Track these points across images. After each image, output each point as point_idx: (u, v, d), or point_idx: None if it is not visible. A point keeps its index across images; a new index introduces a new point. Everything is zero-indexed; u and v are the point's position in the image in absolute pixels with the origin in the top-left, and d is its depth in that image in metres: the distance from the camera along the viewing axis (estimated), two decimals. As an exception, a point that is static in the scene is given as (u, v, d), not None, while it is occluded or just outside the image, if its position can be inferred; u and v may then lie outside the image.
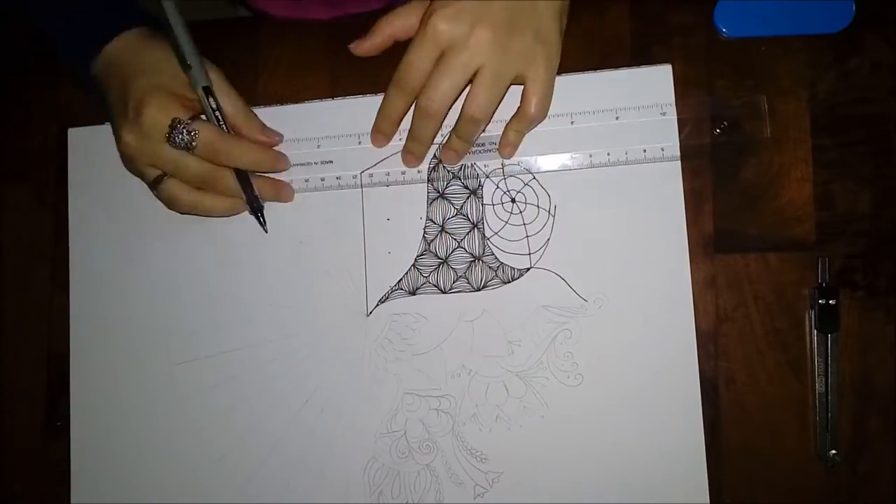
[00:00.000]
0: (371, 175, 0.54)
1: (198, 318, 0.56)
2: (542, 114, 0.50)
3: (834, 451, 0.50)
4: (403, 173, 0.54)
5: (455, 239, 0.54)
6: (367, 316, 0.54)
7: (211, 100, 0.50)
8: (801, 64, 0.53)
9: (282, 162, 0.54)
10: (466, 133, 0.50)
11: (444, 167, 0.54)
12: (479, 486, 0.52)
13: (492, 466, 0.52)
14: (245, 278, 0.55)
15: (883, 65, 0.52)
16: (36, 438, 0.57)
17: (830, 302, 0.50)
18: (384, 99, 0.51)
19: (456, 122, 0.50)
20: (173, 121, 0.49)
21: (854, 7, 0.51)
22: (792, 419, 0.52)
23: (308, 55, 0.57)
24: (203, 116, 0.51)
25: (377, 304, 0.54)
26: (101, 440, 0.56)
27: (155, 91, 0.49)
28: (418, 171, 0.54)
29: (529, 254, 0.53)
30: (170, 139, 0.49)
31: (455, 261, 0.53)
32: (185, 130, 0.49)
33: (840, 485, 0.51)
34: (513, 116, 0.51)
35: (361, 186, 0.55)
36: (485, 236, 0.53)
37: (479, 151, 0.53)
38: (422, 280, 0.54)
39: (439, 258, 0.53)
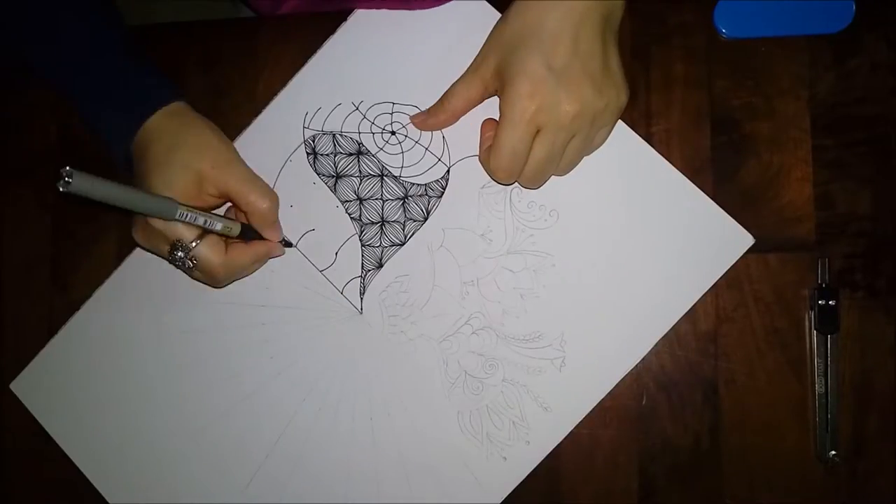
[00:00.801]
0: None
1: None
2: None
3: (834, 452, 0.50)
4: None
5: (377, 199, 0.54)
6: (361, 313, 0.54)
7: (190, 217, 0.47)
8: (801, 64, 0.53)
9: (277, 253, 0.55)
10: (542, 180, 0.50)
11: (320, 155, 0.55)
12: (555, 360, 0.53)
13: (551, 337, 0.53)
14: (243, 355, 0.56)
15: (883, 65, 0.52)
16: (36, 439, 0.57)
17: (830, 302, 0.50)
18: (484, 163, 0.51)
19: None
20: (175, 241, 0.48)
21: (854, 7, 0.51)
22: (792, 419, 0.52)
23: (308, 55, 0.57)
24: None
25: (361, 298, 0.55)
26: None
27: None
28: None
29: (439, 159, 0.54)
30: (170, 256, 0.48)
31: (390, 213, 0.54)
32: (184, 254, 0.48)
33: (840, 485, 0.51)
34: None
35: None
36: (396, 177, 0.54)
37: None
38: (378, 250, 0.54)
39: (377, 223, 0.54)
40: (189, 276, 0.52)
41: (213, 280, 0.51)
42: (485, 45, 0.49)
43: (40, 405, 0.57)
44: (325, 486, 0.54)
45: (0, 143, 0.60)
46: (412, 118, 0.54)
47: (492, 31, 0.48)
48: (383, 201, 0.54)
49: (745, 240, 0.51)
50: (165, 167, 0.48)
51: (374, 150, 0.54)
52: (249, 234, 0.52)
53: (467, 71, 0.50)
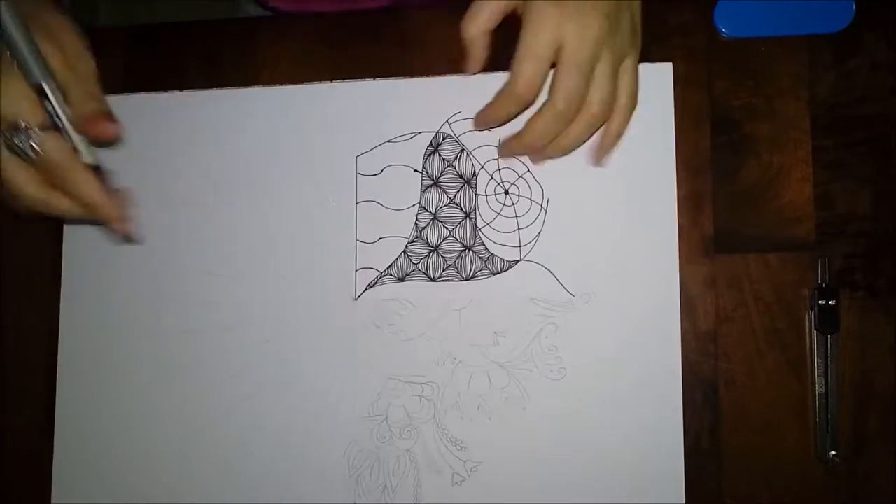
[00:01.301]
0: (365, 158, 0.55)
1: (185, 291, 0.55)
2: (634, 106, 0.50)
3: (834, 452, 0.50)
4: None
5: (447, 227, 0.54)
6: (355, 300, 0.54)
7: (48, 103, 0.43)
8: (801, 64, 0.53)
9: (124, 217, 0.48)
10: (583, 134, 0.49)
11: (439, 154, 0.54)
12: (457, 475, 0.52)
13: (471, 455, 0.52)
14: (233, 252, 0.55)
15: (883, 65, 0.52)
16: (36, 438, 0.57)
17: (830, 302, 0.50)
18: (496, 101, 0.49)
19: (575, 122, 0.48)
20: (16, 123, 0.43)
21: (854, 7, 0.51)
22: (792, 419, 0.52)
23: (308, 55, 0.57)
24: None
25: (365, 289, 0.54)
26: (83, 427, 0.56)
27: (14, 75, 0.43)
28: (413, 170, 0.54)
29: (520, 246, 0.53)
30: (9, 141, 0.43)
31: (445, 249, 0.54)
32: (25, 138, 0.43)
33: (840, 485, 0.51)
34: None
35: (357, 171, 0.55)
36: (476, 226, 0.54)
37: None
38: (411, 267, 0.54)
39: (430, 246, 0.54)
40: (13, 179, 0.44)
41: (49, 179, 0.45)
42: None
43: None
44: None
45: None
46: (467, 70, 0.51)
47: None
48: (449, 235, 0.54)
49: None
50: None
51: (480, 190, 0.54)
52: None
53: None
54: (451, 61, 0.53)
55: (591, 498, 0.51)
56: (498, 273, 0.53)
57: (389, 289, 0.54)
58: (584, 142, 0.50)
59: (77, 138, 0.45)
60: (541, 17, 0.45)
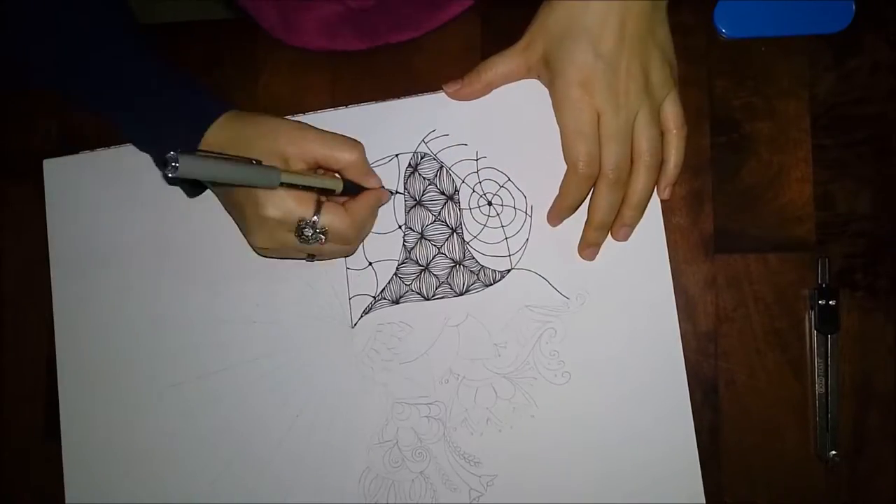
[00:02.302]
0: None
1: (183, 340, 0.55)
2: (685, 133, 0.50)
3: (834, 452, 0.50)
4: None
5: (435, 245, 0.54)
6: (352, 328, 0.54)
7: (295, 180, 0.46)
8: (801, 64, 0.53)
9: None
10: (648, 181, 0.49)
11: (419, 174, 0.54)
12: (474, 491, 0.52)
13: (486, 469, 0.52)
14: (228, 297, 0.55)
15: (883, 65, 0.52)
16: (36, 438, 0.57)
17: (830, 302, 0.50)
18: (565, 187, 0.50)
19: (633, 175, 0.49)
20: (299, 222, 0.47)
21: (854, 7, 0.51)
22: (792, 419, 0.52)
23: (308, 55, 0.57)
24: (323, 197, 0.49)
25: (361, 316, 0.54)
26: (92, 470, 0.56)
27: (268, 192, 0.46)
28: (394, 191, 0.54)
29: (510, 255, 0.53)
30: (300, 238, 0.47)
31: (436, 267, 0.53)
32: (312, 230, 0.47)
33: (840, 485, 0.51)
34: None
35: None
36: (464, 241, 0.53)
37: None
38: (404, 288, 0.54)
39: (420, 265, 0.53)
40: (320, 255, 0.51)
41: (347, 243, 0.50)
42: (531, 29, 0.49)
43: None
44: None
45: (0, 143, 0.60)
46: (445, 87, 0.52)
47: (537, 16, 0.48)
48: (438, 252, 0.53)
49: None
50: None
51: (464, 204, 0.54)
52: (352, 189, 0.50)
53: (511, 49, 0.50)
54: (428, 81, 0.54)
55: (609, 498, 0.51)
56: (491, 284, 0.53)
57: (385, 313, 0.54)
58: (652, 188, 0.50)
59: (328, 181, 0.48)
60: (574, 99, 0.46)
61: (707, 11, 0.53)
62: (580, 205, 0.51)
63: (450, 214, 0.54)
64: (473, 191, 0.54)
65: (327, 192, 0.49)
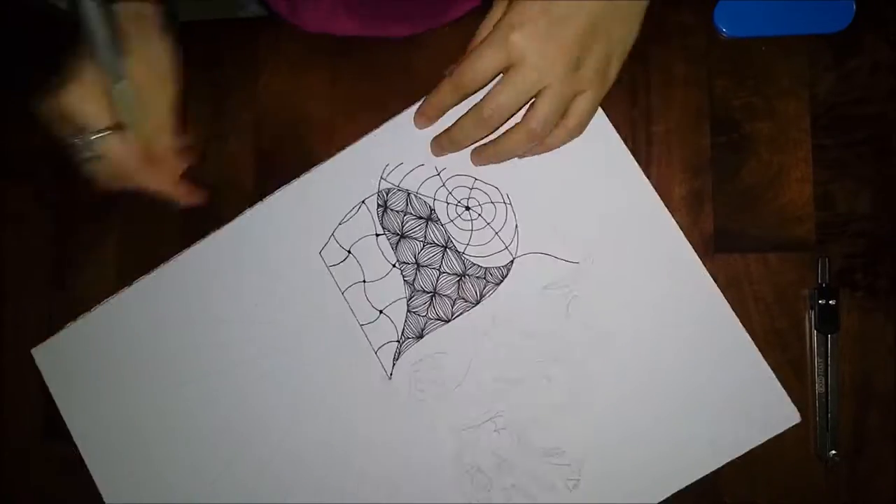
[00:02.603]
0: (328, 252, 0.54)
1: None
2: (578, 133, 0.50)
3: (834, 451, 0.50)
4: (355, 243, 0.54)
5: (434, 268, 0.53)
6: (390, 379, 0.53)
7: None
8: (801, 64, 0.53)
9: (195, 198, 0.53)
10: (519, 143, 0.49)
11: (390, 210, 0.54)
12: (569, 480, 0.52)
13: (572, 456, 0.52)
14: (259, 403, 0.54)
15: (883, 65, 0.52)
16: (36, 438, 0.57)
17: (830, 302, 0.50)
18: (437, 88, 0.49)
19: (510, 130, 0.49)
20: (85, 127, 0.46)
21: (854, 7, 0.51)
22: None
23: (308, 55, 0.57)
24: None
25: (393, 364, 0.53)
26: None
27: (88, 76, 0.45)
28: (375, 235, 0.54)
29: (507, 247, 0.53)
30: (77, 138, 0.46)
31: (444, 287, 0.53)
32: (90, 140, 0.46)
33: (840, 485, 0.51)
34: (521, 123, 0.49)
35: (327, 265, 0.54)
36: (459, 252, 0.53)
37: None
38: (423, 320, 0.53)
39: (428, 292, 0.53)
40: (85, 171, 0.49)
41: (125, 175, 0.49)
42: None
43: (57, 379, 0.57)
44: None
45: (0, 143, 0.60)
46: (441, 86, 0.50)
47: None
48: (440, 273, 0.53)
49: (792, 416, 0.50)
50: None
51: (444, 219, 0.53)
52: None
53: (483, 23, 0.49)
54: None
55: (695, 428, 0.51)
56: (501, 281, 0.53)
57: (415, 351, 0.53)
58: (518, 153, 0.50)
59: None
60: (502, 36, 0.45)
61: (707, 11, 0.53)
62: (442, 114, 0.51)
63: (435, 234, 0.54)
64: (448, 203, 0.54)
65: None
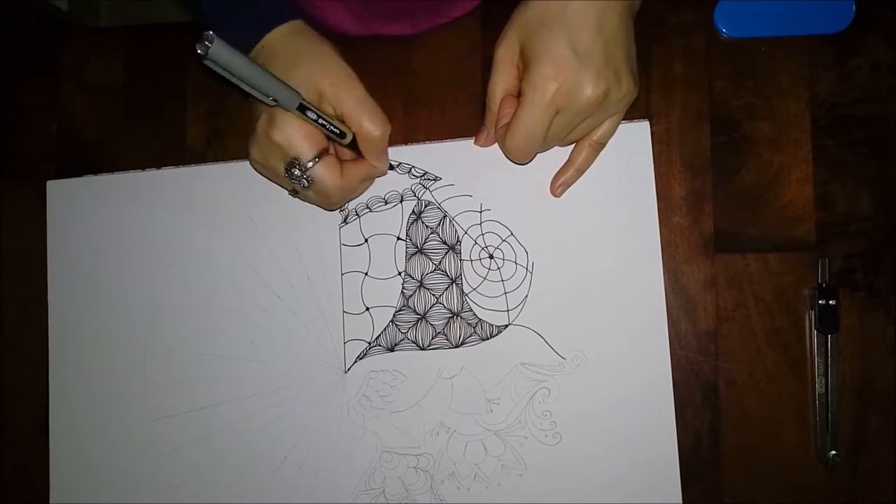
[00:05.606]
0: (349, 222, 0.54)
1: (176, 372, 0.55)
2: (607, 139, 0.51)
3: (834, 452, 0.50)
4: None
5: (434, 294, 0.53)
6: (345, 373, 0.54)
7: (310, 113, 0.47)
8: (801, 64, 0.53)
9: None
10: (591, 158, 0.51)
11: (422, 222, 0.53)
12: None
13: None
14: (223, 333, 0.55)
15: (883, 65, 0.52)
16: (35, 438, 0.57)
17: (830, 302, 0.50)
18: (503, 133, 0.49)
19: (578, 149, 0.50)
20: (293, 159, 0.47)
21: (854, 7, 0.51)
22: (792, 419, 0.52)
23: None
24: (331, 149, 0.50)
25: (355, 361, 0.54)
26: (82, 495, 0.56)
27: (284, 117, 0.47)
28: (397, 236, 0.54)
29: (508, 310, 0.53)
30: (287, 174, 0.48)
31: (434, 317, 0.53)
32: (301, 172, 0.47)
33: (840, 485, 0.51)
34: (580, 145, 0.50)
35: (340, 242, 0.54)
36: (463, 292, 0.53)
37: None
38: (400, 336, 0.53)
39: (418, 314, 0.53)
40: (302, 196, 0.51)
41: (328, 198, 0.50)
42: (507, 27, 0.47)
43: (56, 218, 0.57)
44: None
45: (0, 143, 0.60)
46: (476, 140, 0.52)
47: (514, 13, 0.47)
48: (437, 302, 0.53)
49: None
50: (287, 82, 0.47)
51: (465, 256, 0.53)
52: (356, 148, 0.50)
53: (494, 62, 0.48)
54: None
55: None
56: (488, 338, 0.53)
57: (379, 360, 0.53)
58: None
59: (338, 127, 0.48)
60: (546, 90, 0.45)
61: (707, 11, 0.53)
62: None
63: (450, 264, 0.53)
64: (475, 242, 0.53)
65: (337, 138, 0.48)
